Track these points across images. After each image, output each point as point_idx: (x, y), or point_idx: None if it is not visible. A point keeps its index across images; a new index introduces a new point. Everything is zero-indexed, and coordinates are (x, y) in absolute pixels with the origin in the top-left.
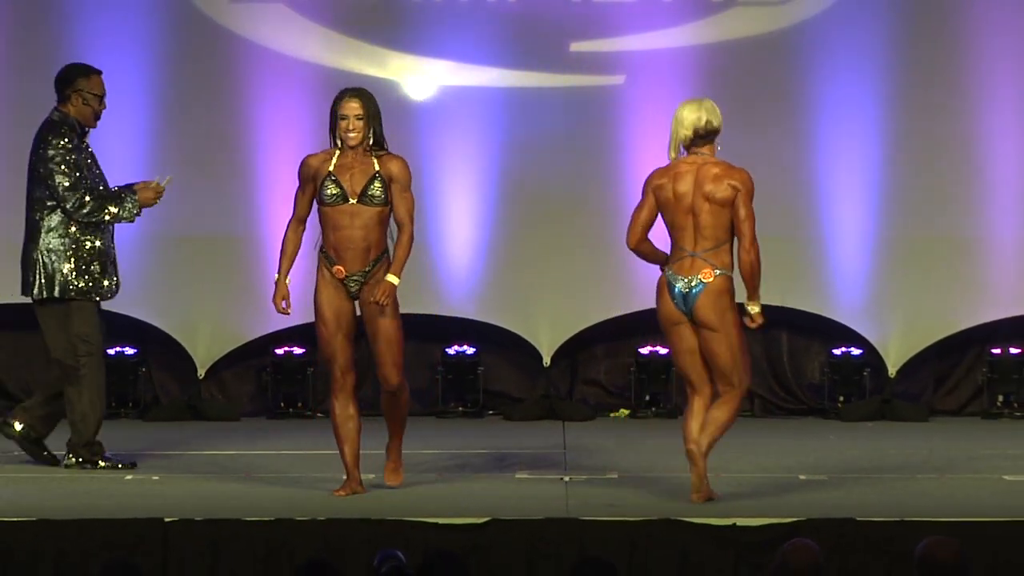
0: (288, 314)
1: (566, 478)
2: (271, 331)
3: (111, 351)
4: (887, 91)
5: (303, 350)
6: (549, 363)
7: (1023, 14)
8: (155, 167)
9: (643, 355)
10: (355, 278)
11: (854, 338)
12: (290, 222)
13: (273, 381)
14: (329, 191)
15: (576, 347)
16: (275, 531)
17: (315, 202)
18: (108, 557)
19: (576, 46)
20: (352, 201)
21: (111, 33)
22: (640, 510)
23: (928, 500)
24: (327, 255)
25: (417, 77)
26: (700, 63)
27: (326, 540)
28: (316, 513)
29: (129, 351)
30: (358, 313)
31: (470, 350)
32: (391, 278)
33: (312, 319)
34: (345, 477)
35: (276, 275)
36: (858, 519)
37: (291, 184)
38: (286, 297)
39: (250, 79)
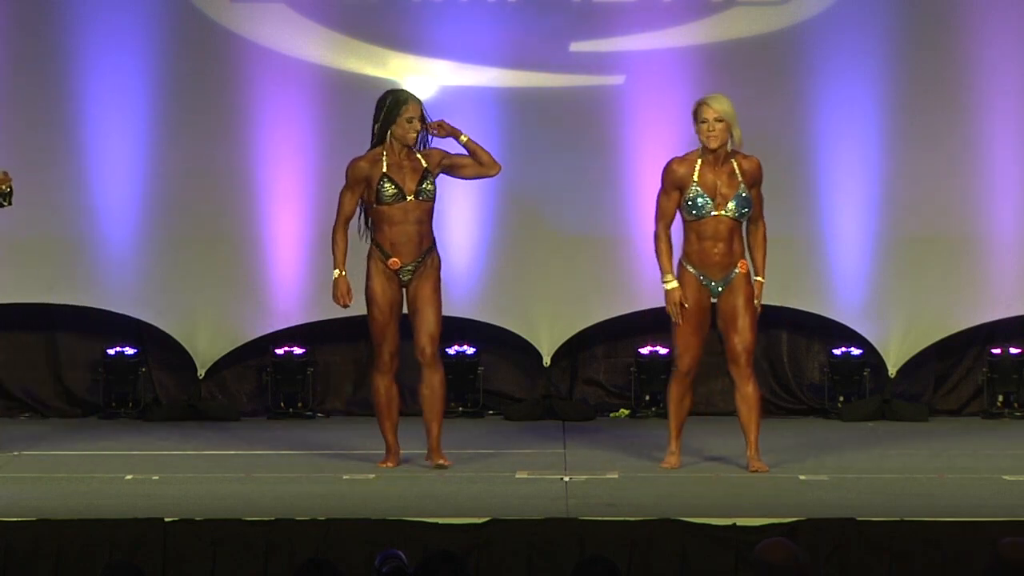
0: (348, 306)
1: (566, 478)
2: (271, 331)
3: (111, 351)
4: (887, 91)
5: (303, 350)
6: (549, 363)
7: (1023, 14)
8: (155, 166)
9: (643, 355)
10: (408, 268)
11: (854, 338)
12: (338, 222)
13: (273, 381)
14: (388, 191)
15: (576, 347)
16: (275, 531)
17: (365, 201)
18: (110, 559)
19: (576, 46)
20: (409, 198)
21: (111, 33)
22: (640, 510)
23: (928, 500)
24: (381, 248)
25: (417, 77)
26: (700, 63)
27: (326, 540)
28: (316, 513)
29: (129, 351)
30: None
31: (470, 350)
32: (465, 137)
33: (313, 319)
34: (386, 451)
35: (335, 272)
36: (858, 519)
37: (292, 183)
38: (350, 290)
39: (250, 79)
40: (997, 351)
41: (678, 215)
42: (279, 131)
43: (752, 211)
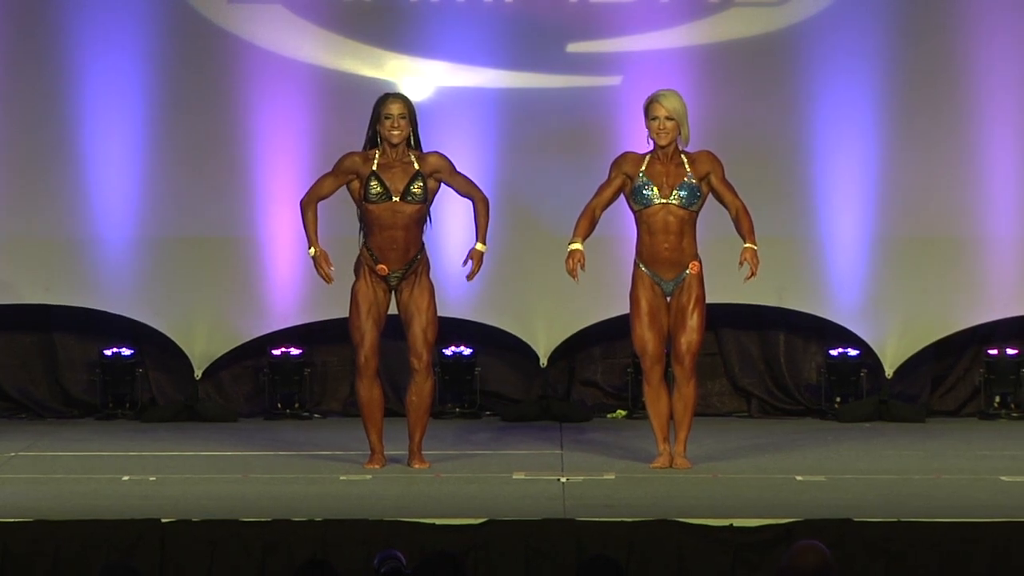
0: (331, 281)
1: (563, 479)
2: (268, 332)
3: (108, 351)
4: (885, 91)
5: (300, 351)
6: (546, 364)
7: (1022, 14)
8: (152, 167)
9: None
10: (396, 274)
11: (851, 339)
12: (306, 197)
13: (270, 382)
14: (374, 189)
15: (573, 348)
16: (272, 532)
17: (356, 199)
18: (108, 559)
19: (573, 46)
20: (395, 199)
21: (108, 34)
22: (637, 510)
23: (925, 501)
24: (371, 253)
25: (414, 78)
26: (698, 63)
27: (323, 541)
28: (314, 513)
29: (126, 352)
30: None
31: (467, 351)
32: (480, 246)
33: (310, 320)
34: (371, 452)
35: (310, 249)
36: (855, 520)
37: (288, 184)
38: (329, 261)
39: (247, 80)
40: (994, 352)
41: (631, 215)
42: (275, 132)
43: (725, 199)
